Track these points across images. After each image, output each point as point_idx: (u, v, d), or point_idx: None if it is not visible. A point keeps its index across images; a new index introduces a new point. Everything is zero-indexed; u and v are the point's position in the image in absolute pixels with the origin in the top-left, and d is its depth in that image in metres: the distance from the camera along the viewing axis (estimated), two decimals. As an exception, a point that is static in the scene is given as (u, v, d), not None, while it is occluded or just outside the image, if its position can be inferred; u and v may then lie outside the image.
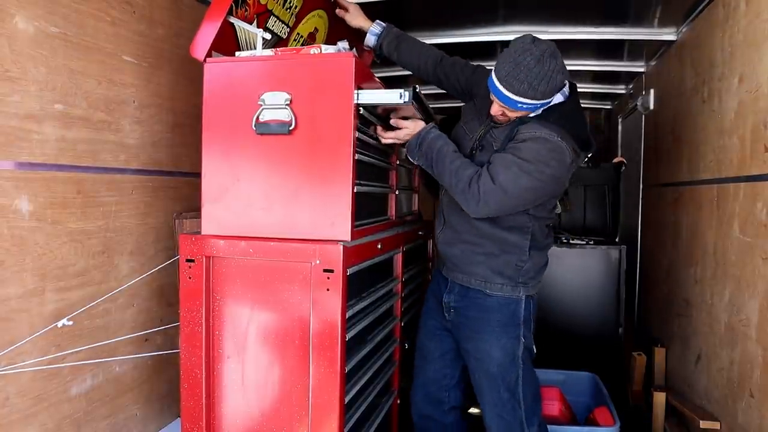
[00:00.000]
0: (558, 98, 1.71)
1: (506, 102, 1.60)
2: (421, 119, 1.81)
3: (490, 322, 1.79)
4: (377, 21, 2.05)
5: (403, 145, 1.84)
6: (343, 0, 2.10)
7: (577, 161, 1.71)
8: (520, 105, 1.59)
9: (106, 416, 1.94)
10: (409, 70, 2.08)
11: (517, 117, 1.68)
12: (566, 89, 1.74)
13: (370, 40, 2.05)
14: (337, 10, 2.10)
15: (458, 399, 2.00)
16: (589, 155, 1.75)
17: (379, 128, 1.76)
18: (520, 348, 1.79)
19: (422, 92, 1.76)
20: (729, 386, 2.06)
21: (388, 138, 1.77)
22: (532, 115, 1.69)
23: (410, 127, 1.76)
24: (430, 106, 2.10)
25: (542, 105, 1.63)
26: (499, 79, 1.58)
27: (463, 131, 1.87)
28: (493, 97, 1.64)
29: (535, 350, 1.85)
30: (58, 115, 1.70)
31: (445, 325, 1.92)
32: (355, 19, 2.07)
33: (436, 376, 1.96)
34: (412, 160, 1.80)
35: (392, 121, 1.77)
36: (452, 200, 1.79)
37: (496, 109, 1.67)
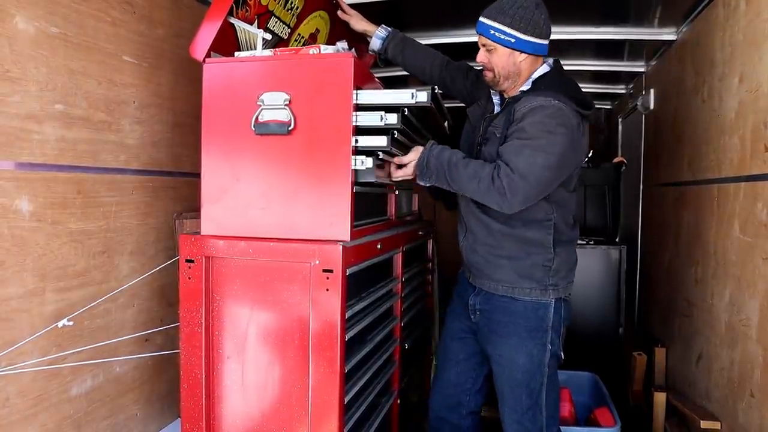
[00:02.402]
0: (544, 68, 1.73)
1: (485, 31, 1.65)
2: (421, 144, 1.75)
3: (516, 327, 1.73)
4: (382, 25, 2.05)
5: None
6: (345, 6, 2.10)
7: (583, 123, 1.67)
8: (492, 32, 1.63)
9: (106, 416, 1.94)
10: (413, 74, 2.08)
11: (500, 66, 1.69)
12: (550, 61, 1.76)
13: (376, 43, 2.04)
14: (340, 13, 2.11)
15: (478, 403, 1.96)
16: (589, 113, 1.70)
17: (391, 168, 1.72)
18: (546, 355, 1.73)
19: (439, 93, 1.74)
20: (729, 386, 2.06)
21: (398, 175, 1.72)
22: (524, 88, 1.71)
23: (413, 157, 1.69)
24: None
25: (518, 43, 1.64)
26: (485, 14, 1.66)
27: (471, 128, 1.87)
28: (478, 37, 1.69)
29: (562, 356, 1.79)
30: (59, 115, 1.70)
31: (471, 327, 1.87)
32: (359, 23, 2.08)
33: (459, 379, 1.91)
34: (423, 184, 1.73)
35: (396, 159, 1.71)
36: (469, 204, 1.76)
37: (481, 55, 1.71)
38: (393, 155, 1.68)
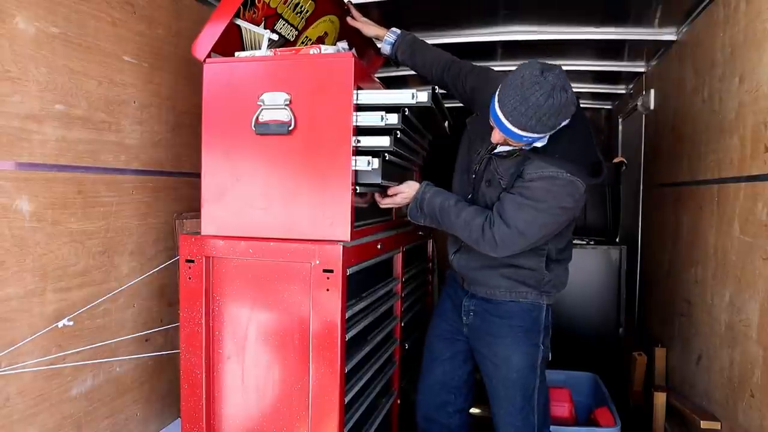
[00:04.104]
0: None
1: (510, 135, 1.52)
2: (412, 179, 1.81)
3: (512, 328, 1.77)
4: (392, 29, 2.01)
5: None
6: (356, 13, 2.09)
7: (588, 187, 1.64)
8: (525, 138, 1.52)
9: (106, 416, 1.94)
10: (424, 78, 2.07)
11: (521, 147, 1.61)
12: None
13: (385, 49, 2.02)
14: (349, 20, 2.08)
15: (464, 401, 1.97)
16: (599, 181, 1.63)
17: (377, 195, 1.78)
18: (540, 356, 1.77)
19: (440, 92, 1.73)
20: (729, 386, 2.06)
21: (385, 203, 1.78)
22: (537, 144, 1.61)
23: (405, 191, 1.76)
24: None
25: (546, 137, 1.58)
26: (504, 113, 1.47)
27: (469, 149, 1.82)
28: (494, 125, 1.56)
29: (549, 357, 1.84)
30: (59, 115, 1.70)
31: (459, 328, 1.89)
32: (370, 29, 2.06)
33: (444, 378, 1.93)
34: (414, 222, 1.80)
35: (390, 190, 1.76)
36: None
37: (497, 137, 1.59)
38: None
